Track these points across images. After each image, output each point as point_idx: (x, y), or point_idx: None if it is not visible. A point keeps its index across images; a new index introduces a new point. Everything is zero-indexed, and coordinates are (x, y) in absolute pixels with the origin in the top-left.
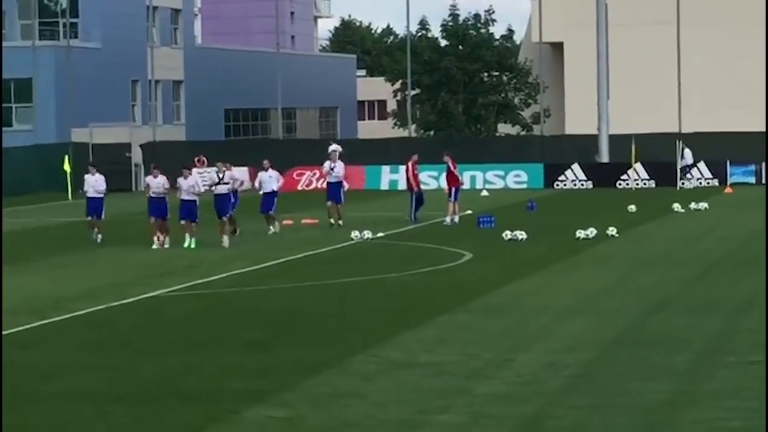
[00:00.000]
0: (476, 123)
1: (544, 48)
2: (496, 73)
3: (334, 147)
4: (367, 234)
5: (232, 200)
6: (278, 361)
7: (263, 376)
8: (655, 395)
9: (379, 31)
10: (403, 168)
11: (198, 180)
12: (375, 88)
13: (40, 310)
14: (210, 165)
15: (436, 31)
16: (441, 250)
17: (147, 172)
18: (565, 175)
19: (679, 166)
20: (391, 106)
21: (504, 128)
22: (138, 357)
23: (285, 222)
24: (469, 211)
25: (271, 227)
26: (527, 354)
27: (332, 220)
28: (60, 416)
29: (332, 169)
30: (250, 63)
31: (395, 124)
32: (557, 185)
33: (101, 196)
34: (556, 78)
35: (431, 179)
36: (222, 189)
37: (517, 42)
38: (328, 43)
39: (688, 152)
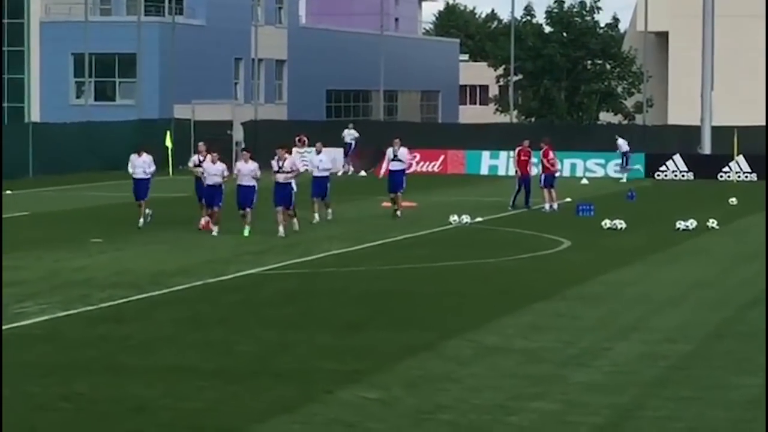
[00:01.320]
0: (578, 111)
1: (649, 37)
2: (600, 62)
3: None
4: (466, 218)
5: (294, 189)
6: (373, 342)
7: (358, 357)
8: (752, 389)
9: (483, 16)
10: (503, 153)
11: (296, 161)
12: (477, 72)
13: (137, 285)
14: (310, 145)
15: (540, 17)
16: (539, 237)
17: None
18: (666, 166)
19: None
20: (493, 91)
21: (606, 117)
22: (234, 334)
23: (383, 204)
24: (569, 199)
25: (316, 214)
26: (624, 343)
27: (399, 212)
28: (154, 389)
29: (395, 156)
30: (353, 44)
31: (497, 109)
32: (658, 175)
33: (148, 177)
34: (660, 68)
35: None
36: (281, 177)
37: (622, 31)
38: (431, 26)
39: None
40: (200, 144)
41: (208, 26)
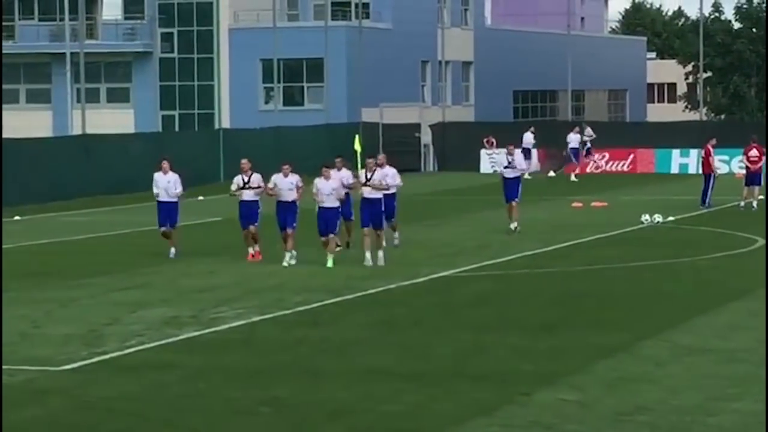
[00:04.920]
0: None
1: None
2: None
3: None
4: (658, 217)
5: (395, 204)
6: (569, 343)
7: (554, 359)
8: None
9: (669, 13)
10: (693, 152)
11: (347, 177)
12: (665, 70)
13: (331, 288)
14: (500, 146)
15: (729, 13)
16: (733, 235)
17: (438, 153)
18: None
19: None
20: (682, 89)
21: None
22: (429, 336)
23: (574, 204)
24: (762, 197)
25: (396, 233)
26: None
27: (513, 225)
28: (352, 393)
29: (510, 162)
30: (539, 44)
31: (686, 107)
32: None
33: (175, 200)
34: None
35: (723, 164)
36: (367, 191)
37: None
38: (618, 25)
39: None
40: (243, 161)
41: (395, 29)
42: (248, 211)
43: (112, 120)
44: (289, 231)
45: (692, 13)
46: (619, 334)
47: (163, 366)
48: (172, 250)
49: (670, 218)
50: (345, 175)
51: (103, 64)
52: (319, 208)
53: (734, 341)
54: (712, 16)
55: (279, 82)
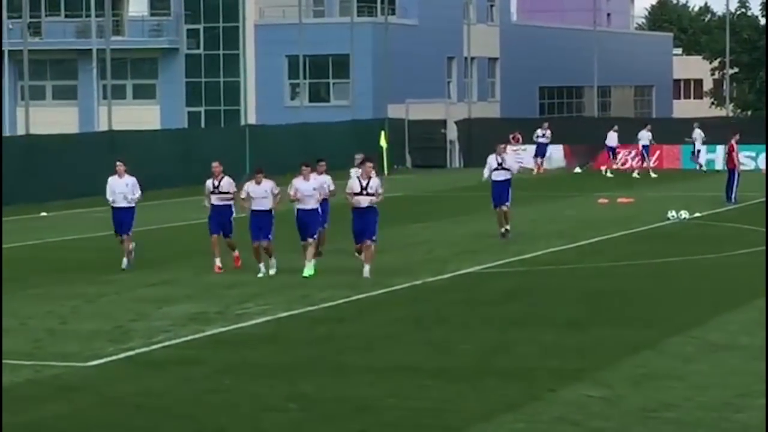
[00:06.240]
0: None
1: None
2: None
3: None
4: (684, 214)
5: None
6: (595, 340)
7: (580, 355)
8: None
9: (696, 9)
10: (719, 148)
11: (328, 183)
12: (691, 66)
13: (357, 285)
14: (524, 142)
15: (756, 9)
16: (759, 231)
17: (464, 149)
18: None
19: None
20: (708, 85)
21: None
22: (455, 332)
23: (600, 201)
24: None
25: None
26: None
27: (503, 229)
28: (379, 389)
29: (500, 164)
30: (565, 40)
31: (712, 103)
32: None
33: (132, 205)
34: None
35: (749, 160)
36: (364, 201)
37: None
38: (644, 21)
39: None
40: (214, 164)
41: (421, 25)
42: (218, 217)
43: (138, 116)
44: (264, 243)
45: (719, 9)
46: (646, 331)
47: (189, 362)
48: (130, 257)
49: (697, 214)
50: (326, 180)
51: (130, 61)
52: (298, 210)
53: (761, 338)
54: (739, 12)
55: (305, 78)
